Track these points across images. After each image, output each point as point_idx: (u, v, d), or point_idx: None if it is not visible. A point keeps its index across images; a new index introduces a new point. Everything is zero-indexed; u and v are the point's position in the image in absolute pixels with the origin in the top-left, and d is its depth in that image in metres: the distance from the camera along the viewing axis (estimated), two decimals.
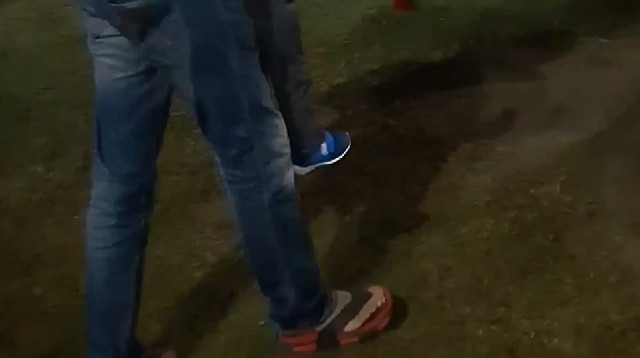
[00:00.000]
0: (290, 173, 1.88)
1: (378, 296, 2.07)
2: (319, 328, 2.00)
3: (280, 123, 1.85)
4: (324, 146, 2.61)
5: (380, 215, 2.51)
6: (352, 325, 2.02)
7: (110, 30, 1.74)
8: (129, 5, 1.63)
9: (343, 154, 2.61)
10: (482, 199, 2.51)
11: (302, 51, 2.52)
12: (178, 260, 2.41)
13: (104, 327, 1.92)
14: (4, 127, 3.22)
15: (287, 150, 1.87)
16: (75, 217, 2.60)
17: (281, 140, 1.85)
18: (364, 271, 2.29)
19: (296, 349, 2.00)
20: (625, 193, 2.47)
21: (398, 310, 2.11)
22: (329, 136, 2.67)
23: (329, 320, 2.00)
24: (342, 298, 2.05)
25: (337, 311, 2.02)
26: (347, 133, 2.76)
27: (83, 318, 2.00)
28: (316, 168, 2.64)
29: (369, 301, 2.06)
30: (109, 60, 1.78)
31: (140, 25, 1.67)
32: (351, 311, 2.03)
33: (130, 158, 1.86)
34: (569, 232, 2.31)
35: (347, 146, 2.66)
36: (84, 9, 1.75)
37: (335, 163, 2.64)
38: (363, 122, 3.06)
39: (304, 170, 2.56)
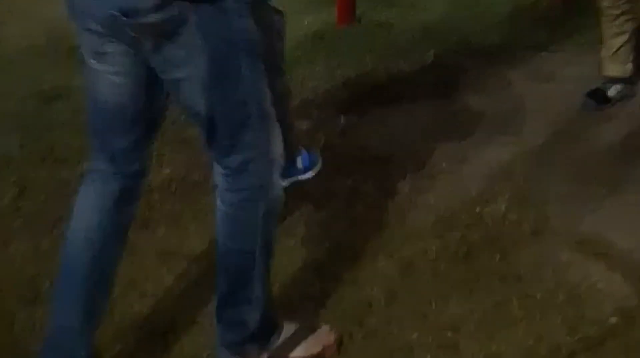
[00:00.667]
0: (279, 178, 1.89)
1: (324, 332, 2.05)
2: (267, 354, 1.98)
3: (279, 131, 1.86)
4: (299, 159, 2.59)
5: (326, 239, 2.45)
6: (297, 353, 2.01)
7: (113, 46, 1.73)
8: (145, 19, 1.63)
9: (317, 169, 2.61)
10: (427, 219, 2.47)
11: (284, 61, 2.49)
12: (116, 291, 2.30)
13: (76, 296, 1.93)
14: None
15: (282, 160, 1.88)
16: (11, 247, 2.51)
17: (280, 149, 1.86)
18: (309, 298, 2.23)
19: None
20: (569, 210, 2.47)
21: (344, 338, 2.06)
22: (303, 150, 2.65)
23: (276, 345, 1.99)
24: (289, 326, 2.04)
25: (283, 338, 2.01)
26: (317, 149, 2.74)
27: (17, 353, 1.94)
28: (290, 183, 2.59)
29: (315, 334, 2.03)
30: (112, 76, 1.79)
31: (155, 39, 1.67)
32: (297, 339, 2.02)
33: (129, 160, 1.89)
34: (515, 251, 2.29)
35: (319, 161, 2.65)
36: (88, 29, 1.73)
37: (307, 178, 2.63)
38: (306, 141, 3.00)
39: (283, 183, 2.52)
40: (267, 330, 1.98)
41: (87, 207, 1.93)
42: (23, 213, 2.68)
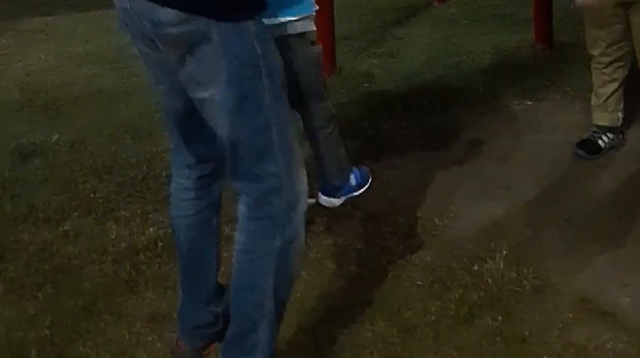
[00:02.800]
0: (303, 224, 1.84)
1: None
2: None
3: (302, 166, 1.83)
4: (352, 176, 2.65)
5: (319, 302, 2.37)
6: None
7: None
8: (170, 30, 1.69)
9: (368, 185, 2.67)
10: (425, 279, 2.40)
11: (327, 88, 2.63)
12: None
13: (192, 276, 2.09)
14: None
15: (305, 200, 1.84)
16: None
17: (304, 186, 1.83)
18: None
19: None
20: (569, 266, 2.42)
21: None
22: (354, 168, 2.72)
23: None
24: None
25: None
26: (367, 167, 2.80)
27: None
28: (346, 199, 2.68)
29: None
30: (155, 84, 1.92)
31: (180, 52, 1.71)
32: None
33: (203, 146, 1.97)
34: (517, 311, 2.23)
35: (370, 177, 2.71)
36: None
37: (362, 193, 2.70)
38: None
39: (338, 201, 2.63)
40: None
41: (180, 198, 2.05)
42: (5, 278, 2.57)
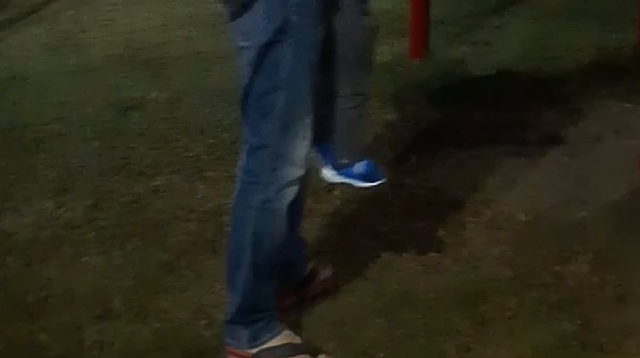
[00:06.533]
0: (288, 198, 1.99)
1: None
2: (254, 350, 2.06)
3: (304, 138, 1.96)
4: (360, 164, 2.42)
5: (396, 284, 2.39)
6: None
7: None
8: None
9: (375, 184, 2.42)
10: (504, 274, 2.40)
11: (370, 67, 2.44)
12: (185, 315, 2.29)
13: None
14: (14, 157, 3.12)
15: (297, 177, 1.99)
16: (83, 259, 2.52)
17: (299, 157, 1.97)
18: (376, 344, 2.17)
19: None
20: None
21: None
22: (369, 161, 2.46)
23: (265, 345, 2.05)
24: (291, 337, 2.09)
25: (275, 342, 2.06)
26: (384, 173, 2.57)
27: None
28: (343, 184, 2.43)
29: (312, 357, 2.07)
30: None
31: (232, 8, 1.90)
32: (291, 351, 2.06)
33: None
34: (597, 317, 2.20)
35: (382, 179, 2.44)
36: None
37: (362, 188, 2.43)
38: None
39: (335, 178, 2.41)
40: (249, 325, 2.04)
41: None
42: (96, 226, 2.68)
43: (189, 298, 2.36)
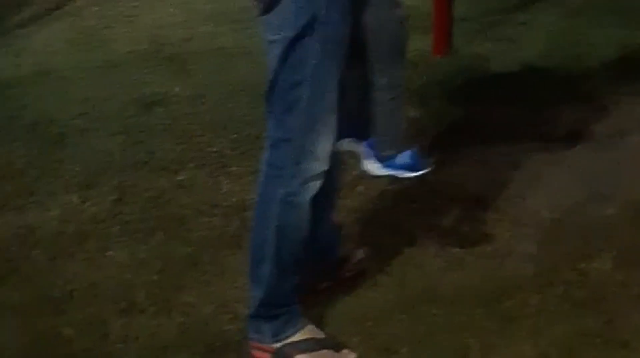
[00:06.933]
0: (311, 193, 2.00)
1: (347, 356, 2.08)
2: (278, 344, 2.07)
3: (329, 142, 1.98)
4: (404, 155, 2.42)
5: (419, 280, 2.39)
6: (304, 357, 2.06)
7: None
8: None
9: (420, 173, 2.41)
10: (527, 270, 2.39)
11: (405, 58, 2.44)
12: (209, 310, 2.31)
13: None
14: (39, 152, 3.16)
15: (321, 171, 2.00)
16: (108, 253, 2.54)
17: (323, 153, 1.98)
18: (399, 340, 2.18)
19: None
20: None
21: None
22: (413, 150, 2.46)
23: (289, 340, 2.06)
24: (314, 332, 2.10)
25: (299, 337, 2.07)
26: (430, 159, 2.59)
27: None
28: (389, 176, 2.43)
29: (334, 352, 2.07)
30: None
31: (262, 4, 1.92)
32: (313, 346, 2.07)
33: None
34: (621, 315, 2.19)
35: (427, 168, 2.43)
36: None
37: (407, 178, 2.42)
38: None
39: (380, 171, 2.42)
40: (271, 319, 2.05)
41: None
42: (121, 220, 2.70)
43: (213, 293, 2.37)
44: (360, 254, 2.39)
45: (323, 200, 2.12)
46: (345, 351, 2.10)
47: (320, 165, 2.01)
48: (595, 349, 2.10)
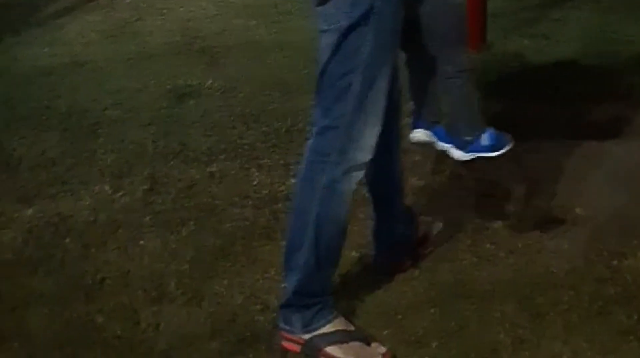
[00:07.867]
0: (353, 183, 2.02)
1: (374, 349, 2.08)
2: (308, 335, 2.07)
3: (375, 132, 1.99)
4: (484, 136, 2.47)
5: (450, 275, 2.38)
6: (334, 350, 2.05)
7: None
8: None
9: (504, 150, 2.47)
10: (560, 267, 2.37)
11: (465, 42, 2.47)
12: (239, 300, 2.32)
13: (380, 200, 2.31)
14: (73, 141, 3.20)
15: (364, 162, 2.01)
16: (139, 243, 2.56)
17: (369, 142, 1.99)
18: (429, 334, 2.17)
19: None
20: None
21: None
22: (490, 129, 2.51)
23: (319, 331, 2.07)
24: (344, 324, 2.10)
25: (329, 328, 2.07)
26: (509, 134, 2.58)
27: (142, 352, 2.00)
28: (478, 158, 2.48)
29: (365, 345, 2.07)
30: None
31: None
32: (343, 338, 2.07)
33: None
34: None
35: (509, 144, 2.49)
36: None
37: (496, 156, 2.48)
38: (432, 169, 2.94)
39: (465, 156, 2.48)
40: (304, 308, 2.05)
41: None
42: (153, 209, 2.73)
43: (243, 283, 2.38)
44: (438, 227, 2.49)
45: (390, 183, 2.22)
46: (375, 344, 2.10)
47: (365, 155, 2.00)
48: (628, 347, 2.07)
